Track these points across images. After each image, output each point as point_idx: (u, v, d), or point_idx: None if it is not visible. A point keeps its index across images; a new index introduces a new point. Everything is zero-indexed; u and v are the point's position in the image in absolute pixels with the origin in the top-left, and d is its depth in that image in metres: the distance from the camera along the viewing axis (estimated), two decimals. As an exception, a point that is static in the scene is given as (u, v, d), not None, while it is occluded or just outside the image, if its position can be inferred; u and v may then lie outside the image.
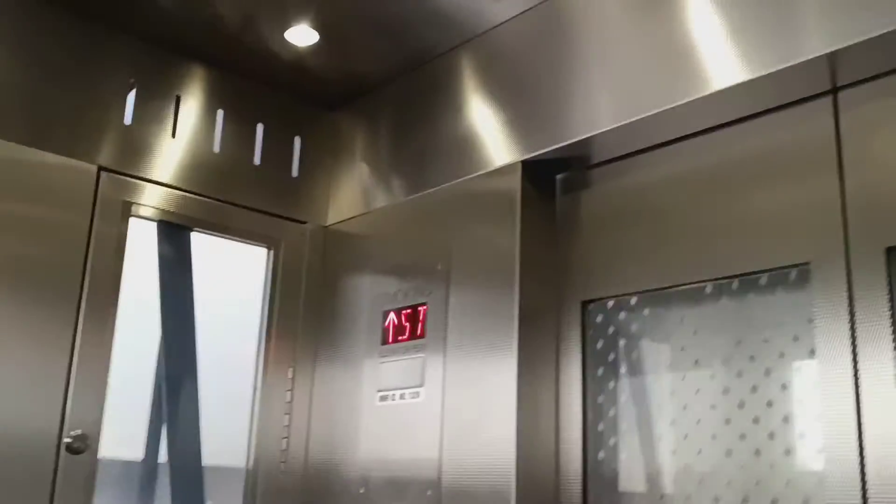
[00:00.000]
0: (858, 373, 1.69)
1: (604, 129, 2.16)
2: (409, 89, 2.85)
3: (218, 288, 2.89)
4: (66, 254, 2.46)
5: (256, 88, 2.97)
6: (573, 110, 2.25)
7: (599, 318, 2.28)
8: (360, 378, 2.69)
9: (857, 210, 1.77)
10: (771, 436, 1.88)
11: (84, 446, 2.41)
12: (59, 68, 2.54)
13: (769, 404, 1.90)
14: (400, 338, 2.59)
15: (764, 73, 1.84)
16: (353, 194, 2.97)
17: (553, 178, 2.44)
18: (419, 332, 2.53)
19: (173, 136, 2.74)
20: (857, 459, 1.66)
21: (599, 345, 2.27)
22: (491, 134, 2.48)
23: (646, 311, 2.21)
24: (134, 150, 2.65)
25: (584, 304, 2.28)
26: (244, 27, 2.64)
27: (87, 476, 2.41)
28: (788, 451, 1.85)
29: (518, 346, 2.22)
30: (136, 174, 2.64)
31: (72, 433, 2.38)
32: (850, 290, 1.74)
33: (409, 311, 2.59)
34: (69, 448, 2.38)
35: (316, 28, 2.61)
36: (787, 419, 1.87)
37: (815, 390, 1.77)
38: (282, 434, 2.81)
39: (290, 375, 2.86)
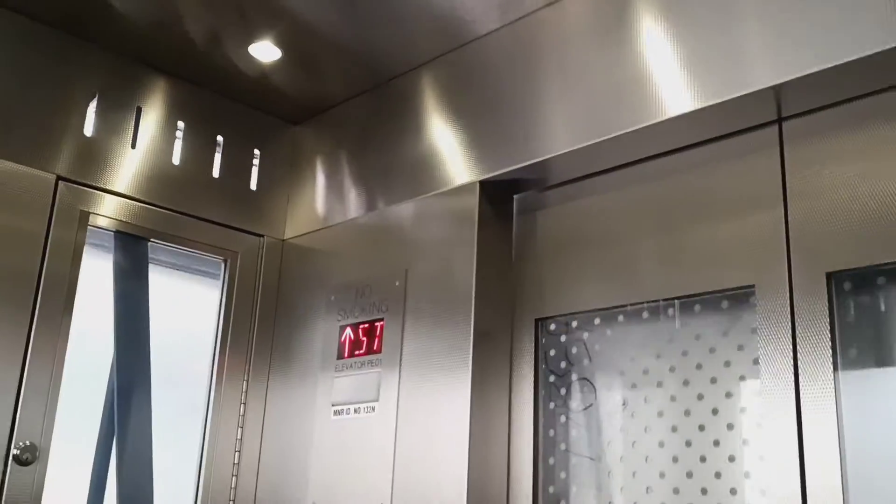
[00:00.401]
0: (801, 395, 1.77)
1: (560, 152, 2.22)
2: (370, 107, 2.89)
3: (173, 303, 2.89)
4: (21, 262, 2.44)
5: (218, 101, 2.98)
6: (531, 133, 2.30)
7: (552, 335, 2.33)
8: (314, 392, 2.70)
9: (800, 236, 1.85)
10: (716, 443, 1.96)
11: (33, 457, 2.38)
12: (20, 76, 2.53)
13: (714, 412, 1.97)
14: (356, 353, 2.61)
15: (713, 102, 1.92)
16: (311, 209, 2.99)
17: (510, 199, 2.50)
18: (375, 347, 2.56)
19: (133, 146, 2.74)
20: (797, 466, 1.73)
21: (552, 360, 2.32)
22: (450, 153, 2.53)
23: (596, 321, 2.27)
24: (93, 160, 2.64)
25: (538, 321, 2.34)
26: (208, 41, 2.66)
27: (36, 488, 2.38)
28: (732, 458, 1.92)
29: (472, 362, 2.25)
30: (94, 184, 2.64)
31: (20, 443, 2.36)
32: (792, 312, 1.81)
33: (366, 326, 2.62)
34: (17, 459, 2.35)
35: (279, 45, 2.64)
36: (731, 427, 1.94)
37: (758, 402, 1.85)
38: (234, 446, 2.81)
39: (243, 388, 2.86)
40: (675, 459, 2.01)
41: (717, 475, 1.93)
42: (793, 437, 1.75)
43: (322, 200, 2.97)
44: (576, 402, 2.27)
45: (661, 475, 2.03)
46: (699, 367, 2.02)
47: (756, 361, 1.87)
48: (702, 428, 1.99)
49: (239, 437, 2.83)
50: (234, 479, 2.79)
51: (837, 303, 1.78)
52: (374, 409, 2.49)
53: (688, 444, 2.00)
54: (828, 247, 1.80)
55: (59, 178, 2.56)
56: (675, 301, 2.08)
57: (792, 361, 1.79)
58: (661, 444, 2.05)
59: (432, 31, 2.53)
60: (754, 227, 1.94)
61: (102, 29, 2.62)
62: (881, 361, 1.75)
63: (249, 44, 2.65)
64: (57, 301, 2.49)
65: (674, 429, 2.03)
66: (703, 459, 1.97)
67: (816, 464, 1.71)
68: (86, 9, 2.52)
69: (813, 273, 1.80)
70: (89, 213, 2.62)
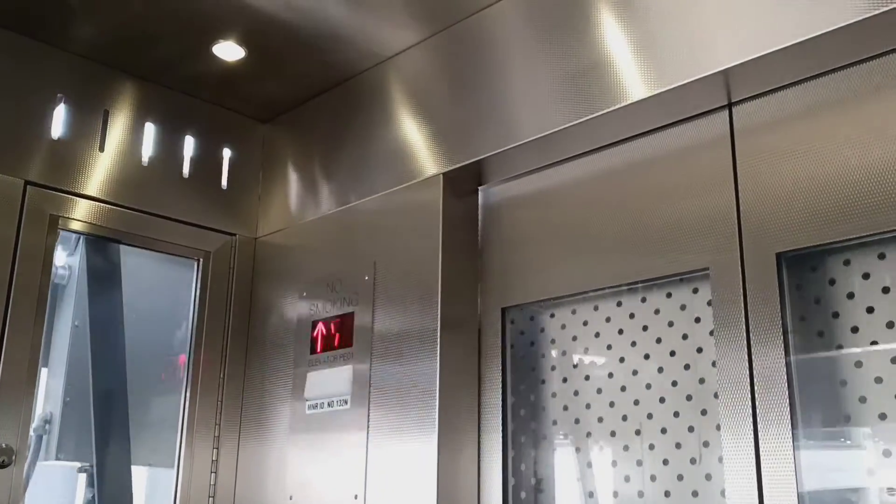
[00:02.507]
0: (753, 366, 1.80)
1: (520, 143, 2.25)
2: (337, 103, 2.91)
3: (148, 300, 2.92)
4: (-10, 267, 2.47)
5: (185, 101, 3.00)
6: (492, 124, 2.33)
7: (518, 322, 2.37)
8: (289, 388, 2.73)
9: (751, 218, 1.89)
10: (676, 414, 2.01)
11: (9, 460, 2.40)
12: (-17, 82, 2.55)
13: (674, 384, 2.03)
14: (328, 347, 2.64)
15: (666, 88, 1.95)
16: (282, 206, 3.01)
17: (474, 190, 2.53)
18: (347, 341, 2.59)
19: (101, 149, 2.75)
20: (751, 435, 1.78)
21: (519, 345, 2.36)
22: (415, 147, 2.55)
23: (560, 307, 2.32)
24: (61, 164, 2.66)
25: (504, 310, 2.37)
26: (172, 42, 2.68)
27: (14, 489, 2.40)
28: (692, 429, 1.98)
29: (440, 351, 2.29)
30: (63, 188, 2.65)
31: (-3, 447, 2.39)
32: (744, 292, 1.85)
33: (337, 320, 2.64)
34: (-7, 463, 2.38)
35: (242, 44, 2.66)
36: (689, 398, 2.00)
37: (716, 377, 1.89)
38: (212, 444, 2.83)
39: (219, 385, 2.88)
40: (637, 433, 2.07)
41: (678, 446, 1.98)
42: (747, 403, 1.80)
43: (293, 197, 2.99)
44: (544, 383, 2.31)
45: (626, 448, 2.08)
46: (659, 341, 2.07)
47: (711, 333, 1.92)
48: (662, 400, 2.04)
49: (216, 434, 2.85)
50: (212, 475, 2.81)
51: (788, 282, 1.82)
52: (346, 402, 2.52)
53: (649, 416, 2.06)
54: (777, 228, 1.83)
55: (27, 182, 2.58)
56: (635, 285, 2.12)
57: (745, 336, 1.82)
58: (625, 419, 2.11)
59: (395, 26, 2.55)
60: (708, 211, 1.97)
61: (65, 32, 2.63)
62: (829, 337, 1.78)
63: (213, 44, 2.67)
64: (29, 304, 2.51)
65: (636, 402, 2.09)
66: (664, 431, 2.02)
67: (770, 437, 1.75)
68: (46, 12, 2.53)
69: (763, 253, 1.84)
70: (59, 216, 2.63)
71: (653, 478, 2.02)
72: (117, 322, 2.79)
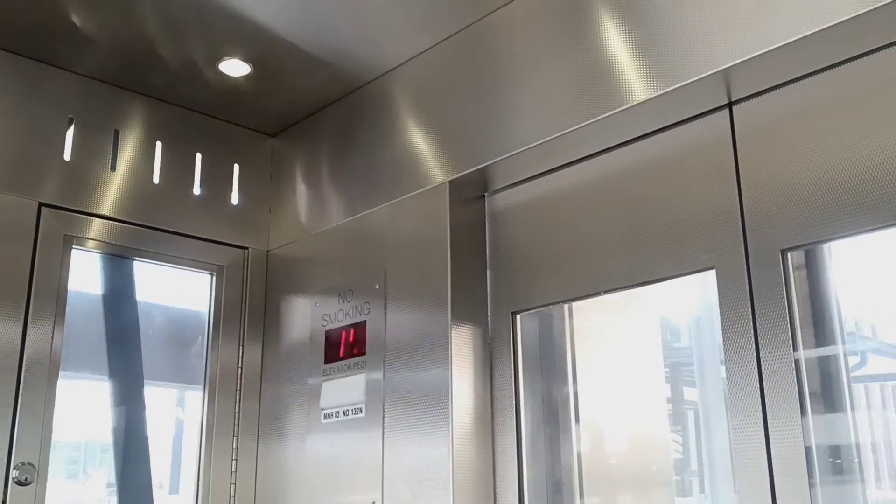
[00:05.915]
0: (762, 365, 1.81)
1: (524, 148, 2.27)
2: (343, 114, 2.94)
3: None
4: (8, 288, 2.50)
5: (194, 118, 3.04)
6: (496, 130, 2.35)
7: (527, 326, 2.40)
8: (305, 398, 2.76)
9: (754, 216, 1.90)
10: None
11: (31, 478, 2.44)
12: (-3, 106, 2.60)
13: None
14: (342, 357, 2.67)
15: (666, 89, 1.97)
16: (292, 218, 3.05)
17: (481, 196, 2.55)
18: (360, 350, 2.61)
19: (113, 169, 2.79)
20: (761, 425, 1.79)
21: (529, 348, 2.39)
22: (421, 156, 2.58)
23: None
24: (74, 184, 2.70)
25: (514, 314, 2.39)
26: (179, 61, 2.71)
27: (36, 507, 2.45)
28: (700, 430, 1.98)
29: (452, 357, 2.31)
30: (76, 208, 2.70)
31: (19, 463, 2.42)
32: (750, 289, 1.86)
33: (349, 329, 2.67)
34: (16, 481, 2.41)
35: (247, 60, 2.70)
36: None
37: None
38: (231, 455, 2.86)
39: (237, 399, 2.92)
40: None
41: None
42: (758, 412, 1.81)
43: (303, 210, 3.02)
44: (553, 386, 2.33)
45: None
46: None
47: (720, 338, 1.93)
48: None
49: (235, 445, 2.88)
50: (232, 486, 2.84)
51: (794, 278, 1.83)
52: (361, 410, 2.55)
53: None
54: (780, 225, 1.85)
55: (41, 204, 2.62)
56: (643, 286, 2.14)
57: (752, 334, 1.84)
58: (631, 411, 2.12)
59: (399, 37, 2.58)
60: (712, 210, 1.98)
61: (74, 55, 2.68)
62: (832, 332, 1.80)
63: (219, 61, 2.70)
64: (47, 324, 2.55)
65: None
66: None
67: (783, 462, 1.76)
68: (54, 36, 2.57)
69: (768, 250, 1.85)
70: (73, 236, 2.68)
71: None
72: (134, 338, 2.83)
